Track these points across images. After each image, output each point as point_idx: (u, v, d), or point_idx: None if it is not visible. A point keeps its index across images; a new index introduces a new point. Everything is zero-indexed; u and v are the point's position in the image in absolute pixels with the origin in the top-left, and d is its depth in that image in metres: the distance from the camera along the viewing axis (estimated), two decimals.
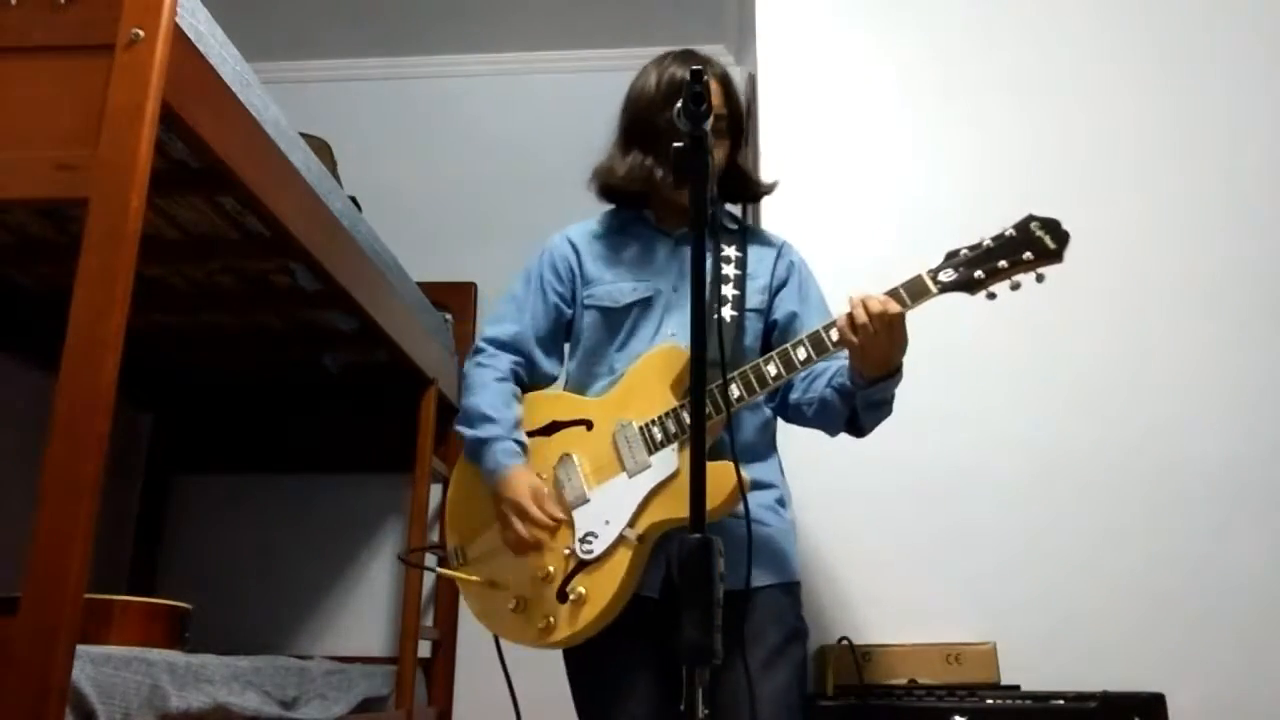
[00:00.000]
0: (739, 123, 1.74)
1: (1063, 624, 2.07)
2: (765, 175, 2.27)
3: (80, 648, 1.38)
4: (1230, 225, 2.31)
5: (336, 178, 2.73)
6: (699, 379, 1.15)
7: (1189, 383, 2.22)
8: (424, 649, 3.02)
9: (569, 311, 1.79)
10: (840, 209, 2.36)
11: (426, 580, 3.04)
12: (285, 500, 3.32)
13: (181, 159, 1.83)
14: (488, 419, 1.65)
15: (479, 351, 1.77)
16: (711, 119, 1.59)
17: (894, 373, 1.54)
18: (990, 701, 1.74)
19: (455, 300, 3.40)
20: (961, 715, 1.71)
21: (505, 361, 1.73)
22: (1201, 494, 2.14)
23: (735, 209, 1.89)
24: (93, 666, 1.51)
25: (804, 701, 1.65)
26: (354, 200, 2.64)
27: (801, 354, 1.53)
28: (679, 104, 1.22)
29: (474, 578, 1.64)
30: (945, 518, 2.16)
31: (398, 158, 3.64)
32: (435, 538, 3.16)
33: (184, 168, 1.86)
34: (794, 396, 1.70)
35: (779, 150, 2.42)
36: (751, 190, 1.84)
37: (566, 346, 1.82)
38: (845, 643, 1.96)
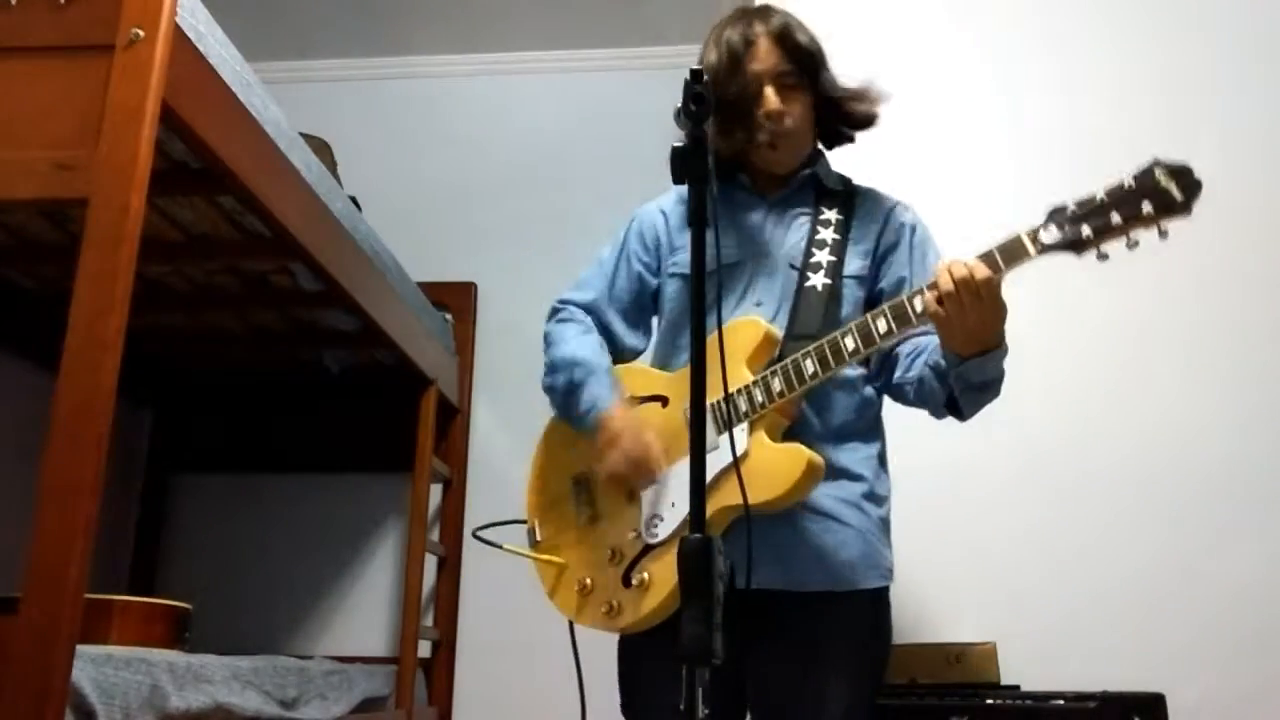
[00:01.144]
0: (810, 65, 1.59)
1: (1063, 624, 2.07)
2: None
3: (80, 648, 1.38)
4: (1231, 224, 2.31)
5: (336, 178, 2.73)
6: (699, 384, 1.11)
7: (1190, 383, 2.22)
8: (424, 649, 3.01)
9: (654, 282, 1.70)
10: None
11: (427, 580, 3.04)
12: (286, 500, 3.32)
13: (181, 159, 1.83)
14: (577, 363, 1.59)
15: (556, 311, 1.71)
16: (773, 79, 1.53)
17: (993, 348, 1.38)
18: (990, 701, 1.74)
19: (455, 300, 3.40)
20: (961, 715, 1.71)
21: (584, 316, 1.68)
22: (1202, 494, 2.14)
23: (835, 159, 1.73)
24: (93, 666, 1.51)
25: (873, 712, 1.51)
26: (354, 200, 2.64)
27: (882, 326, 1.38)
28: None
29: (546, 558, 1.59)
30: (945, 517, 2.16)
31: (398, 158, 3.64)
32: (435, 537, 3.17)
33: (184, 168, 1.86)
34: (897, 376, 1.56)
35: None
36: (850, 121, 1.65)
37: (656, 320, 1.74)
38: None
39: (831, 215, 1.62)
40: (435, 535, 3.19)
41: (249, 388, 3.34)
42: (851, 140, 1.70)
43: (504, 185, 3.56)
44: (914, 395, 1.54)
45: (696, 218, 1.15)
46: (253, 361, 3.13)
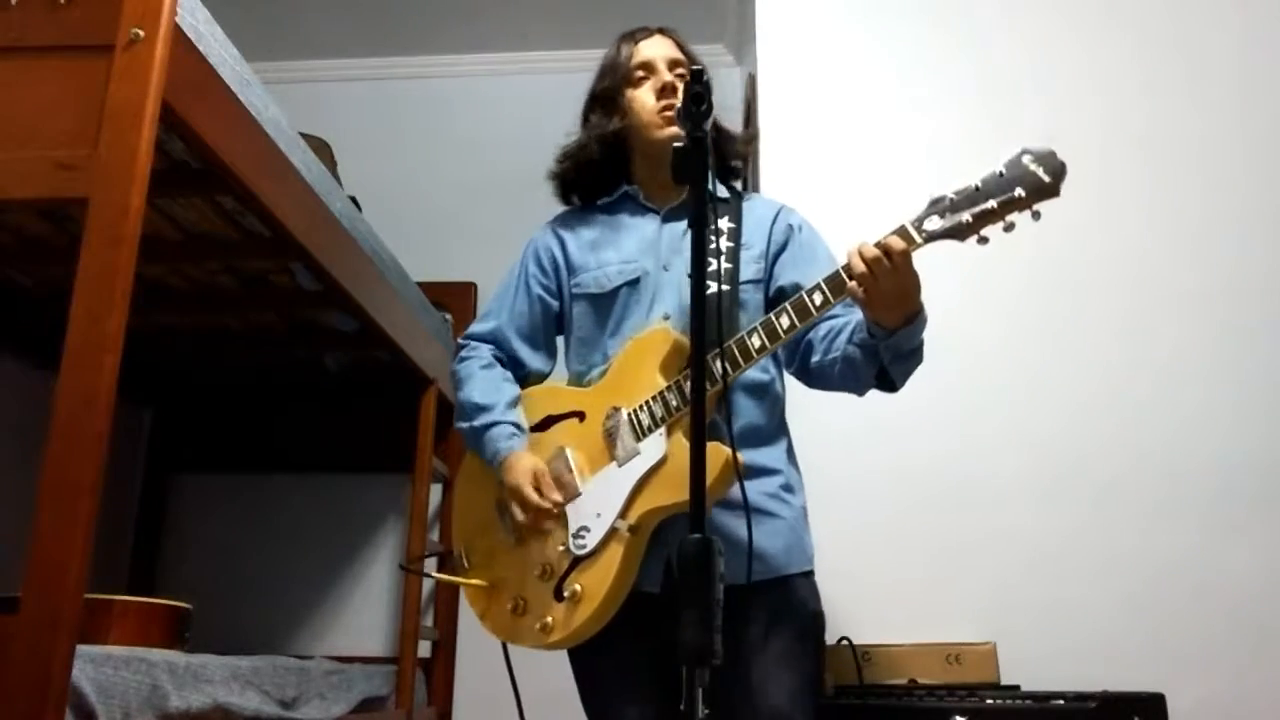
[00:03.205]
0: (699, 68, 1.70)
1: (1063, 624, 2.07)
2: (762, 159, 2.19)
3: (80, 648, 1.38)
4: (1234, 228, 2.31)
5: (336, 178, 2.73)
6: (699, 376, 1.13)
7: (1189, 384, 2.22)
8: (424, 649, 3.02)
9: (555, 304, 1.74)
10: (843, 208, 2.36)
11: (427, 581, 3.04)
12: (285, 500, 3.32)
13: (181, 159, 1.84)
14: (480, 408, 1.63)
15: (460, 349, 1.76)
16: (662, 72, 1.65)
17: (915, 316, 1.42)
18: (990, 701, 1.74)
19: (455, 300, 3.40)
20: (961, 715, 1.71)
21: (486, 351, 1.72)
22: (1201, 494, 2.14)
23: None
24: (93, 666, 1.51)
25: (816, 699, 1.56)
26: (354, 200, 2.64)
27: (785, 321, 1.44)
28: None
29: (473, 581, 1.61)
30: (945, 518, 2.16)
31: (398, 158, 3.64)
32: (435, 538, 3.17)
33: (184, 168, 1.86)
34: (815, 360, 1.59)
35: (780, 150, 2.42)
36: (730, 149, 1.74)
37: (561, 341, 1.77)
38: (845, 643, 1.96)
39: (722, 224, 1.65)
40: (435, 535, 3.19)
41: (249, 388, 3.34)
42: (721, 167, 1.76)
43: (504, 185, 3.55)
44: (838, 375, 1.55)
45: (697, 216, 1.15)
46: (253, 361, 3.13)
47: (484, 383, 1.67)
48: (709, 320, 1.52)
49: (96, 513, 1.34)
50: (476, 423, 1.62)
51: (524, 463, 1.56)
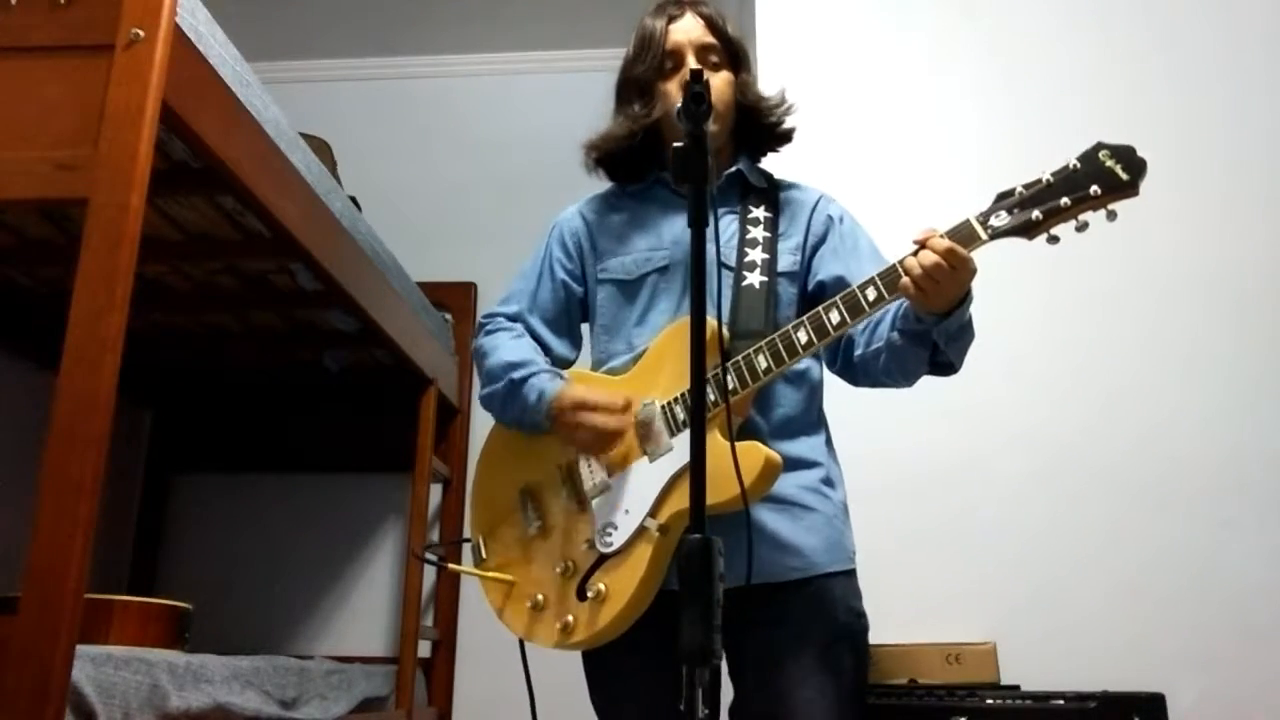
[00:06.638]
0: (734, 49, 1.60)
1: (1063, 624, 2.07)
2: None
3: (80, 648, 1.38)
4: (1232, 220, 2.31)
5: (336, 178, 2.73)
6: (698, 377, 1.12)
7: (1190, 382, 2.22)
8: (424, 649, 3.02)
9: (580, 290, 1.67)
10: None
11: (426, 580, 3.04)
12: (285, 500, 3.32)
13: (181, 159, 1.84)
14: (516, 364, 1.54)
15: (483, 326, 1.68)
16: (693, 55, 1.55)
17: (966, 297, 1.37)
18: (990, 701, 1.73)
19: (455, 300, 3.41)
20: (961, 715, 1.71)
21: (515, 325, 1.65)
22: (1202, 493, 2.14)
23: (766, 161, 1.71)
24: (93, 666, 1.51)
25: (861, 706, 1.49)
26: (354, 200, 2.64)
27: (835, 317, 1.36)
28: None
29: (493, 575, 1.52)
30: (945, 517, 2.16)
31: (398, 158, 3.64)
32: (435, 536, 3.17)
33: (184, 168, 1.86)
34: (858, 354, 1.53)
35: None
36: (767, 125, 1.64)
37: (585, 326, 1.70)
38: None
39: (759, 213, 1.59)
40: (435, 535, 3.19)
41: (249, 388, 3.34)
42: (756, 151, 1.67)
43: (504, 185, 3.56)
44: (883, 366, 1.49)
45: (697, 217, 1.14)
46: (253, 361, 3.13)
47: (515, 347, 1.59)
48: (750, 310, 1.49)
49: (96, 513, 1.34)
50: (515, 375, 1.53)
51: (576, 388, 1.48)
